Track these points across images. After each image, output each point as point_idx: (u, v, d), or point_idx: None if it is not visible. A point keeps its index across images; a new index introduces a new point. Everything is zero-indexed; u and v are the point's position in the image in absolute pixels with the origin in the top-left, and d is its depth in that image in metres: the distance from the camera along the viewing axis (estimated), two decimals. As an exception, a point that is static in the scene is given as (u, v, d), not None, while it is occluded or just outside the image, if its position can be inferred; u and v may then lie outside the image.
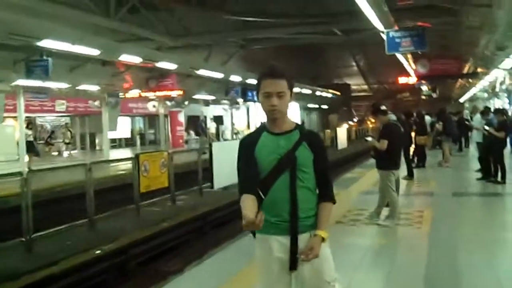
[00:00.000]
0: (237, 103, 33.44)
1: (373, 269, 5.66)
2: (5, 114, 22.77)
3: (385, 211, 7.54)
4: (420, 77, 26.49)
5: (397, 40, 13.42)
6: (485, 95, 33.93)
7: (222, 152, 13.75)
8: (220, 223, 11.87)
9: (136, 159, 10.90)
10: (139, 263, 8.57)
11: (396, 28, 13.49)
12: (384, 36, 14.20)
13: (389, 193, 7.34)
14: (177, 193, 12.44)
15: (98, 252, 8.15)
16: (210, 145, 13.72)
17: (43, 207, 10.34)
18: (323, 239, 2.63)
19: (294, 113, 48.74)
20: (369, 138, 7.89)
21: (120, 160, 14.26)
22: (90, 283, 7.60)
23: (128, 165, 11.27)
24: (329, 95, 47.44)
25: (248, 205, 2.51)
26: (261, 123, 2.87)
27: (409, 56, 22.67)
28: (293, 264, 2.61)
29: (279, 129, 2.71)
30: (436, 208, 8.61)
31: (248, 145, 2.75)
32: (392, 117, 8.31)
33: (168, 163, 11.96)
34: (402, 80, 28.39)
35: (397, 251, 6.24)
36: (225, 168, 13.53)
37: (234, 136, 35.64)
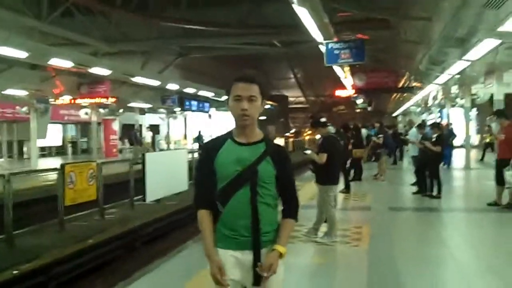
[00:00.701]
0: (174, 112, 32.73)
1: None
2: None
3: (323, 228, 7.29)
4: (356, 90, 26.90)
5: (336, 52, 13.43)
6: (418, 109, 35.01)
7: (156, 163, 13.21)
8: (152, 238, 11.31)
9: (61, 170, 10.16)
10: (60, 283, 7.88)
11: (336, 39, 13.49)
12: (323, 48, 14.17)
13: (327, 209, 7.10)
14: (107, 206, 11.76)
15: (14, 272, 7.42)
16: (143, 155, 13.10)
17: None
18: (280, 255, 2.53)
19: (231, 123, 48.51)
20: (308, 151, 7.63)
21: (44, 170, 13.34)
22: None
23: (54, 175, 10.52)
24: (267, 106, 47.52)
25: (209, 241, 2.55)
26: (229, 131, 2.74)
27: (346, 69, 22.93)
28: (257, 280, 2.50)
29: (246, 139, 2.62)
30: (373, 224, 8.47)
31: (209, 151, 2.65)
32: (331, 129, 8.12)
33: (97, 174, 11.28)
34: (339, 92, 28.75)
35: (336, 271, 5.99)
36: (159, 180, 13.02)
37: (169, 146, 34.89)
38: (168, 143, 35.77)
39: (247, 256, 2.53)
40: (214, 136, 2.87)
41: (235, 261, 2.55)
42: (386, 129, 17.51)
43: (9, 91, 20.53)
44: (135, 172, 12.94)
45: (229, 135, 2.68)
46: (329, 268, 6.07)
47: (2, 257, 8.06)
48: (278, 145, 2.72)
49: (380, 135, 15.11)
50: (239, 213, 2.53)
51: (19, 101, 23.24)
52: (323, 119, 7.61)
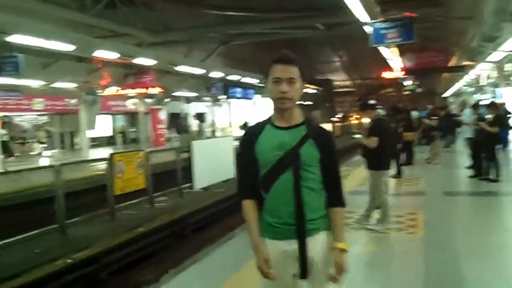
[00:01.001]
0: (219, 100, 32.79)
1: (365, 280, 5.12)
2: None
3: (375, 214, 7.03)
4: (404, 71, 26.08)
5: (383, 31, 12.89)
6: (470, 89, 33.73)
7: (203, 151, 13.22)
8: (201, 226, 11.32)
9: (110, 159, 10.25)
10: (111, 272, 7.95)
11: (382, 19, 12.98)
12: (369, 28, 13.70)
13: (380, 195, 6.82)
14: (156, 194, 11.84)
15: (67, 261, 7.52)
16: (191, 144, 13.12)
17: (10, 212, 9.66)
18: (343, 250, 2.46)
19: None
20: (357, 135, 7.33)
21: (93, 160, 13.55)
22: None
23: (104, 165, 10.65)
24: (312, 91, 47.01)
25: (255, 232, 2.49)
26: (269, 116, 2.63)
27: (393, 49, 22.23)
28: (304, 272, 2.43)
29: (285, 122, 2.51)
30: (428, 209, 8.11)
31: (249, 138, 2.57)
32: (381, 112, 7.78)
33: (145, 163, 11.35)
34: (386, 74, 27.96)
35: (391, 259, 5.73)
36: (206, 168, 13.03)
37: (211, 134, 34.99)
38: (213, 130, 35.87)
39: (293, 246, 2.43)
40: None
41: (281, 251, 2.45)
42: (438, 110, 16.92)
43: (59, 84, 20.97)
44: (182, 160, 12.97)
45: (268, 120, 2.59)
46: (383, 257, 5.82)
47: (54, 247, 8.18)
48: (321, 128, 2.59)
49: (434, 117, 14.56)
50: (283, 200, 2.44)
51: (68, 93, 23.76)
52: (372, 102, 7.29)
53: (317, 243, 2.45)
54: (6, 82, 17.50)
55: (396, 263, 5.61)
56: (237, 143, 17.24)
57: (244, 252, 6.08)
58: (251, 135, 2.57)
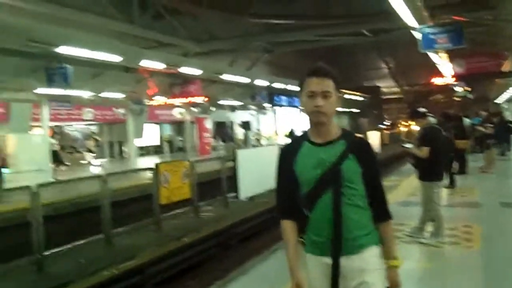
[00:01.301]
0: (264, 108, 32.69)
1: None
2: (34, 124, 22.66)
3: (428, 227, 6.69)
4: (456, 77, 25.29)
5: (432, 36, 12.46)
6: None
7: (248, 160, 13.10)
8: (247, 237, 11.19)
9: (156, 169, 10.27)
10: (155, 283, 7.90)
11: (431, 23, 12.57)
12: (417, 34, 13.30)
13: (434, 207, 6.49)
14: (201, 204, 11.79)
15: (113, 272, 7.52)
16: (235, 152, 13.04)
17: (58, 221, 9.78)
18: (396, 267, 2.44)
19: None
20: (408, 145, 7.01)
21: (138, 170, 13.65)
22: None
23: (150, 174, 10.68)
24: (359, 98, 46.35)
25: (292, 255, 2.45)
26: (303, 131, 2.58)
27: (443, 55, 21.60)
28: None
29: (322, 138, 2.45)
30: (484, 222, 7.69)
31: (287, 156, 2.52)
32: (432, 120, 7.43)
33: (190, 173, 11.32)
34: (436, 80, 27.19)
35: (446, 275, 5.40)
36: (252, 177, 12.89)
37: (257, 143, 34.90)
38: (257, 139, 35.74)
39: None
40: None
41: (325, 267, 2.40)
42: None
43: (107, 94, 21.39)
44: (227, 169, 12.90)
45: (304, 136, 2.52)
46: (438, 273, 5.50)
47: (100, 257, 8.20)
48: (361, 139, 2.51)
49: (489, 124, 13.96)
50: (325, 218, 2.38)
51: (116, 103, 24.20)
52: (422, 109, 6.97)
53: (365, 259, 2.38)
54: (57, 92, 17.92)
55: (452, 280, 5.28)
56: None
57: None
58: (289, 153, 2.51)
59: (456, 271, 5.55)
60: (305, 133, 2.53)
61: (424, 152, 6.41)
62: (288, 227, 2.48)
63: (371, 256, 2.40)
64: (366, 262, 2.38)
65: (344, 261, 2.37)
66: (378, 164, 2.59)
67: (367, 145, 2.52)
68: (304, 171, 2.42)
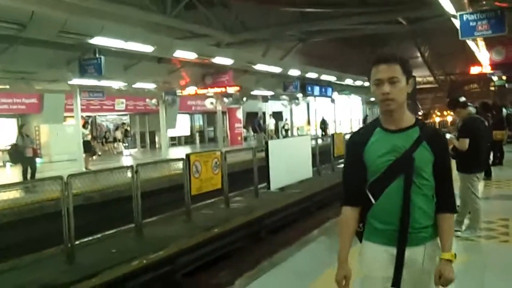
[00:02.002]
0: (297, 98, 32.41)
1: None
2: (67, 114, 23.04)
3: (465, 220, 6.44)
4: (493, 65, 24.48)
5: (472, 23, 12.00)
6: None
7: (279, 151, 12.96)
8: (277, 228, 11.08)
9: (186, 159, 10.23)
10: (185, 274, 7.87)
11: (471, 10, 12.13)
12: (456, 21, 12.87)
13: (472, 199, 6.24)
14: (232, 194, 11.72)
15: (143, 262, 7.51)
16: (266, 143, 12.92)
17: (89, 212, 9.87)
18: (450, 261, 2.35)
19: (356, 107, 47.30)
20: (448, 135, 6.74)
21: (170, 160, 13.65)
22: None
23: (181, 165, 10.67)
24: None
25: (345, 244, 2.44)
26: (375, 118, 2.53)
27: (481, 43, 20.93)
28: (397, 280, 2.33)
29: (395, 125, 2.40)
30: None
31: (356, 143, 2.47)
32: (472, 110, 7.14)
33: (221, 163, 11.25)
34: (473, 69, 26.42)
35: (483, 271, 5.17)
36: (283, 168, 12.76)
37: (285, 133, 34.66)
38: (286, 130, 35.44)
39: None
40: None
41: (387, 256, 2.36)
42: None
43: (140, 85, 21.52)
44: (258, 160, 12.80)
45: (377, 123, 2.47)
46: (475, 267, 5.26)
47: (130, 247, 8.21)
48: (435, 129, 2.50)
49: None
50: (394, 206, 2.34)
51: (149, 93, 24.35)
52: (462, 99, 6.69)
53: (429, 251, 2.37)
54: (90, 83, 18.12)
55: (489, 275, 5.04)
56: (313, 142, 16.89)
57: (322, 259, 5.81)
58: (359, 139, 2.48)
59: (492, 266, 5.31)
60: (377, 120, 2.49)
61: (462, 144, 6.16)
62: (349, 214, 2.46)
63: (433, 249, 2.38)
64: (428, 255, 2.36)
65: (407, 252, 2.33)
66: (449, 154, 2.55)
67: (440, 134, 2.50)
68: (374, 158, 2.38)
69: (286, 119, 35.98)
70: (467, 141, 6.13)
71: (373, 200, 2.38)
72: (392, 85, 2.32)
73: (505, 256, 5.57)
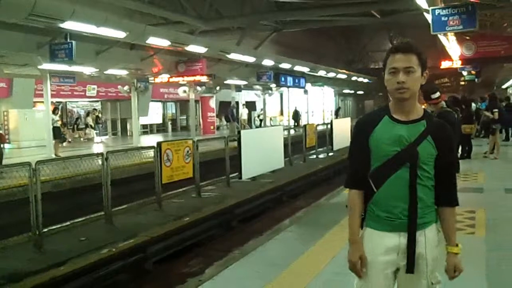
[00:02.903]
0: (270, 88, 32.44)
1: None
2: (36, 99, 22.58)
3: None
4: (463, 60, 24.95)
5: (444, 18, 12.19)
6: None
7: (252, 141, 12.99)
8: (248, 217, 11.13)
9: (158, 148, 10.15)
10: (156, 262, 7.86)
11: (443, 5, 12.30)
12: (428, 15, 13.04)
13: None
14: (203, 183, 11.70)
15: (113, 250, 7.46)
16: (239, 132, 12.92)
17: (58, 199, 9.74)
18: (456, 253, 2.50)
19: (329, 98, 47.64)
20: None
21: (141, 148, 13.51)
22: (102, 284, 6.93)
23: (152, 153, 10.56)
24: (365, 80, 46.00)
25: (356, 226, 2.50)
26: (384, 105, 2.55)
27: (451, 38, 21.26)
28: (411, 267, 2.42)
29: (405, 116, 2.44)
30: (488, 208, 7.61)
31: (363, 129, 2.50)
32: (443, 104, 7.27)
33: (193, 152, 11.19)
34: (445, 64, 26.85)
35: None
36: (255, 157, 12.80)
37: (260, 123, 34.75)
38: (261, 119, 35.53)
39: (402, 239, 2.41)
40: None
41: (388, 243, 2.43)
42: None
43: (112, 71, 21.21)
44: (230, 149, 12.79)
45: (385, 111, 2.50)
46: (441, 259, 5.40)
47: (100, 235, 8.13)
48: (441, 123, 2.50)
49: (495, 110, 13.79)
50: (396, 196, 2.40)
51: (121, 80, 24.04)
52: (437, 93, 6.79)
53: (427, 237, 2.43)
54: (61, 68, 17.79)
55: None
56: (286, 133, 16.95)
57: (293, 248, 5.87)
58: (366, 125, 2.50)
59: (462, 257, 5.43)
60: (386, 107, 2.51)
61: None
62: (356, 197, 2.51)
63: (433, 234, 2.46)
64: (427, 239, 2.43)
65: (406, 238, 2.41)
66: (453, 148, 2.61)
67: (447, 129, 2.51)
68: (380, 146, 2.42)
69: (261, 109, 36.00)
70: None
71: (374, 188, 2.44)
72: (407, 74, 2.37)
73: (470, 247, 5.67)
